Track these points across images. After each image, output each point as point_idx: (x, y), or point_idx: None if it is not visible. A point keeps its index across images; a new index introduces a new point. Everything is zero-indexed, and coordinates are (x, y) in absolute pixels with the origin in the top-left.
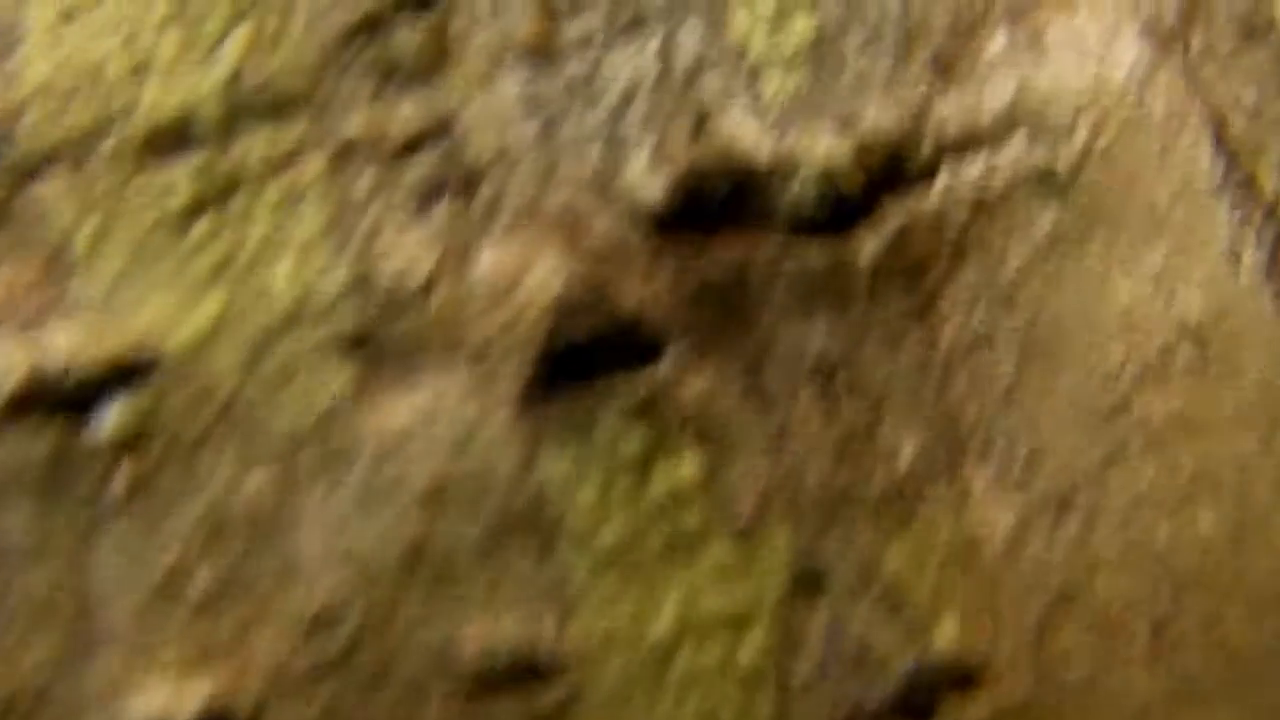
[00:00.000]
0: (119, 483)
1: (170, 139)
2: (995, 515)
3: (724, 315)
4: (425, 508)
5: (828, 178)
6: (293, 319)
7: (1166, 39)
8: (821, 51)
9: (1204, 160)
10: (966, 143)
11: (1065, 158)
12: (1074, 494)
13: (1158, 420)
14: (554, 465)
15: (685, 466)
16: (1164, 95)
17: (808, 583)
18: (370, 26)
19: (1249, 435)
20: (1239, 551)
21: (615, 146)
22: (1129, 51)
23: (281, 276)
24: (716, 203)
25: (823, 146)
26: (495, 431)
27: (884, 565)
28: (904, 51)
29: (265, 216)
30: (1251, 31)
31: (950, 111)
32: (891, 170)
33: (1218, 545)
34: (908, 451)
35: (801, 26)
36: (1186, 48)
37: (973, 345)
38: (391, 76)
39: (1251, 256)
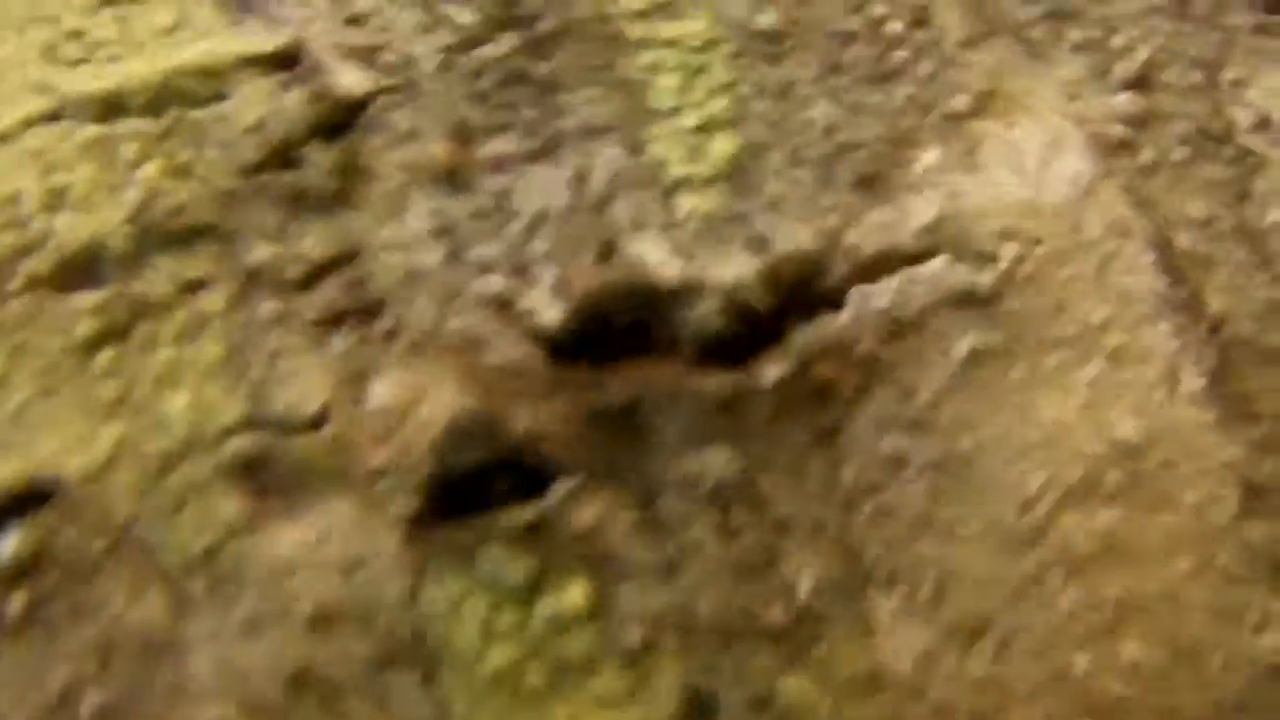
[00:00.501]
0: (14, 607)
1: (80, 269)
2: (900, 645)
3: (620, 442)
4: (312, 633)
5: (735, 302)
6: (188, 447)
7: (1113, 150)
8: (741, 171)
9: (1144, 278)
10: (883, 264)
11: (990, 278)
12: (986, 622)
13: (1081, 546)
14: (439, 593)
15: (573, 595)
16: (1105, 211)
17: (698, 712)
18: (281, 155)
19: (1180, 563)
20: (1166, 684)
21: (520, 272)
22: (1070, 165)
23: (179, 405)
24: (619, 328)
25: (732, 270)
26: (382, 559)
27: (779, 695)
28: (827, 169)
29: (168, 346)
30: (1205, 141)
31: (869, 232)
32: (802, 293)
33: (1143, 677)
34: (808, 580)
35: (722, 146)
36: (1135, 159)
37: (881, 471)
38: (300, 205)
39: (1191, 378)
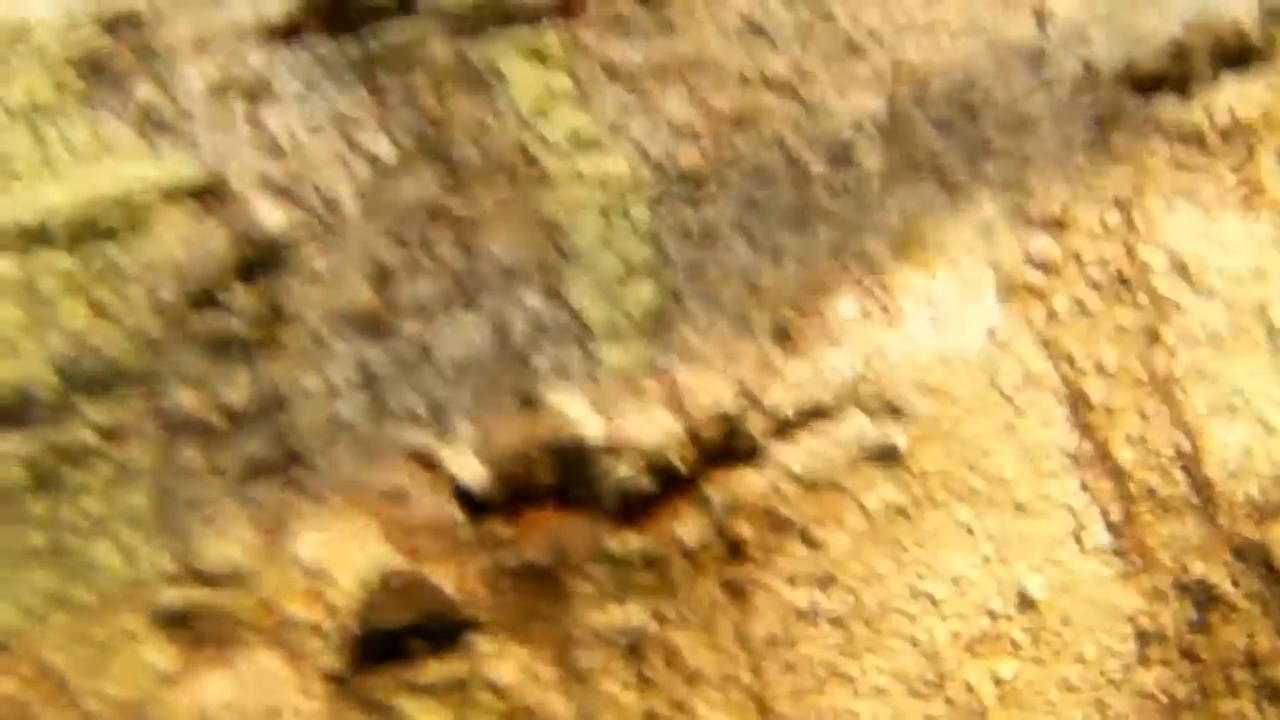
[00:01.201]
0: None
1: (8, 414)
2: None
3: (538, 599)
4: None
5: (656, 461)
6: (117, 598)
7: (1027, 297)
8: (660, 321)
9: (1054, 431)
10: (801, 421)
11: (904, 435)
12: None
13: (982, 696)
14: None
15: None
16: (1019, 362)
17: None
18: (206, 298)
19: (1078, 708)
20: None
21: (441, 424)
22: (985, 316)
23: (108, 555)
24: (541, 484)
25: (653, 429)
26: (305, 712)
27: None
28: (745, 318)
29: (96, 494)
30: (1118, 285)
31: (787, 388)
32: (720, 451)
33: None
34: None
35: (642, 294)
36: (1049, 305)
37: (791, 625)
38: (223, 351)
39: (1095, 531)
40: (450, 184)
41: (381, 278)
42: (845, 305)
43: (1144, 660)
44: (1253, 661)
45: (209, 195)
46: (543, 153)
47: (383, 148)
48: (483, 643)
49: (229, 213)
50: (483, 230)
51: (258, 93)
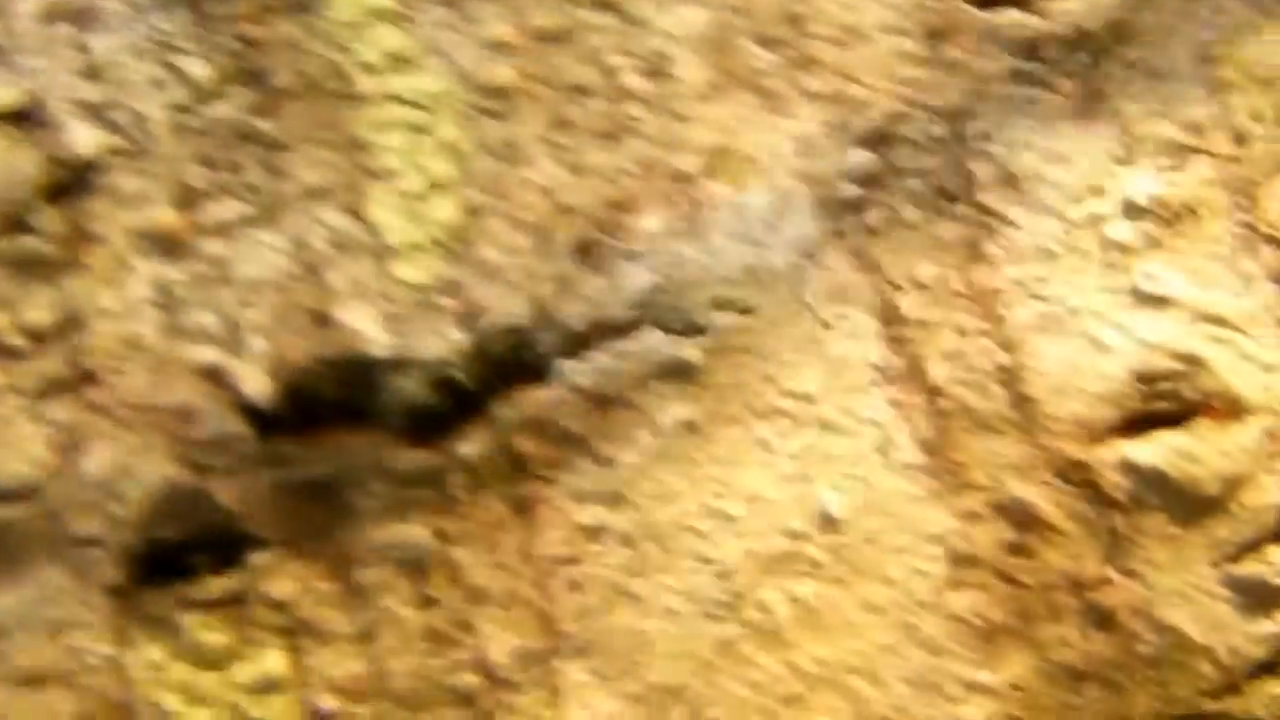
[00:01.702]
0: None
1: None
2: (588, 714)
3: (319, 514)
4: (21, 691)
5: (442, 376)
6: None
7: (842, 211)
8: (460, 238)
9: (863, 346)
10: (594, 336)
11: (705, 349)
12: (677, 692)
13: (777, 618)
14: (143, 657)
15: (270, 660)
16: (828, 276)
17: None
18: (14, 220)
19: (880, 635)
20: None
21: (233, 342)
22: (796, 229)
23: None
24: (327, 401)
25: (443, 343)
26: (89, 625)
27: None
28: (546, 235)
29: None
30: (941, 199)
31: (582, 303)
32: (511, 366)
33: None
34: (500, 649)
35: (443, 212)
36: (864, 219)
37: (579, 543)
38: (27, 271)
39: (903, 449)
40: (262, 105)
41: (186, 199)
42: (650, 221)
43: (957, 583)
44: (1077, 586)
45: (25, 119)
46: (357, 73)
47: (198, 70)
48: (263, 558)
49: (42, 135)
50: (290, 151)
51: (84, 17)
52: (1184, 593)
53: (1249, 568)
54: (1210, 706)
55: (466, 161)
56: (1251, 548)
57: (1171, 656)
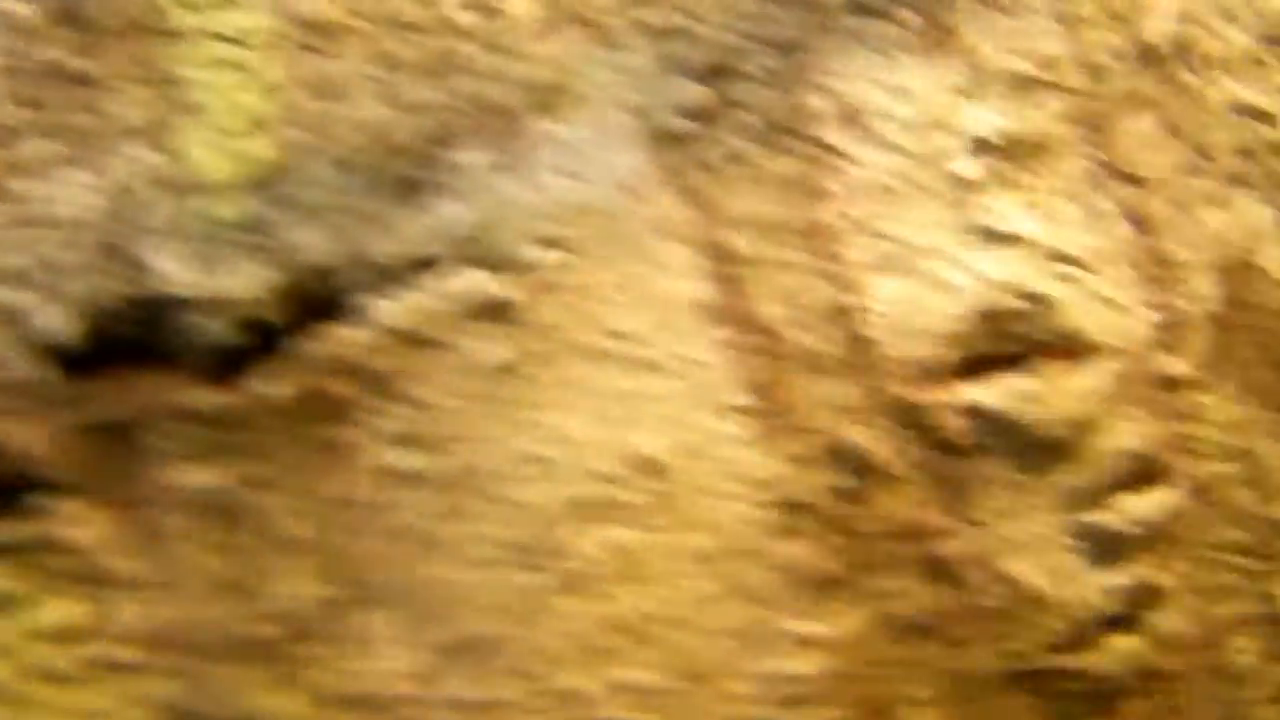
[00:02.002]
0: None
1: None
2: (393, 666)
3: (115, 457)
4: None
5: (247, 315)
6: None
7: (673, 148)
8: (277, 177)
9: (689, 284)
10: (407, 274)
11: (524, 287)
12: (487, 643)
13: (593, 566)
14: None
15: (61, 610)
16: (656, 213)
17: None
18: None
19: (703, 584)
20: (681, 709)
21: (34, 283)
22: (623, 164)
23: None
24: (133, 341)
25: (251, 282)
26: None
27: (267, 715)
28: (366, 174)
29: None
30: (778, 135)
31: (394, 241)
32: (321, 305)
33: (656, 702)
34: (302, 598)
35: (260, 149)
36: (697, 156)
37: (385, 489)
38: None
39: (730, 391)
40: (81, 44)
41: (1, 140)
42: (472, 156)
43: (786, 531)
44: (916, 535)
45: None
46: (177, 10)
47: (21, 10)
48: (59, 503)
49: None
50: (107, 90)
51: None
52: (1029, 542)
53: (1098, 516)
54: (1058, 661)
55: (287, 98)
56: (1101, 495)
57: (1016, 609)
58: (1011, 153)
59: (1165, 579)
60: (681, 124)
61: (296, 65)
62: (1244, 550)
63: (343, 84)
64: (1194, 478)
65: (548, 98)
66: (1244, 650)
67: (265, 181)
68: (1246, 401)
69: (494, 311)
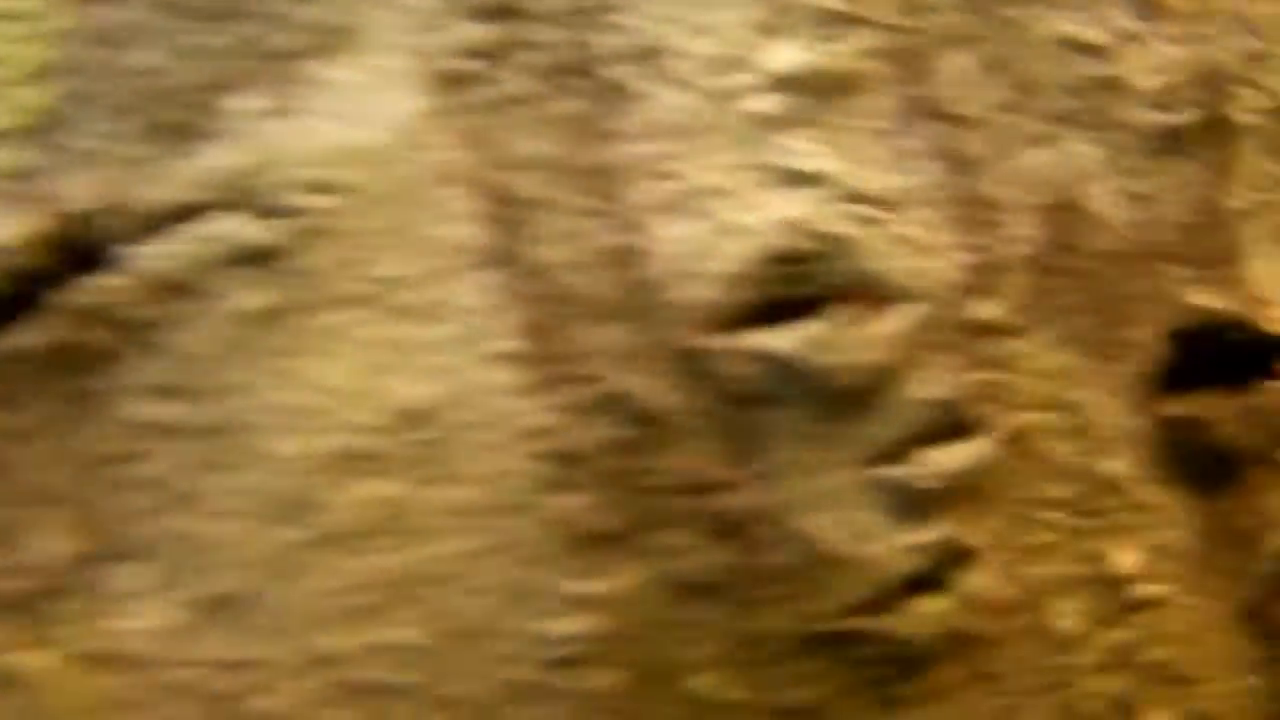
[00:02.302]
0: None
1: None
2: (142, 622)
3: None
4: None
5: (13, 265)
6: None
7: (453, 87)
8: (50, 123)
9: (461, 228)
10: (167, 220)
11: (280, 233)
12: (240, 600)
13: (351, 520)
14: None
15: None
16: (431, 154)
17: None
18: None
19: (468, 540)
20: (444, 669)
21: None
22: (399, 106)
23: None
24: None
25: (14, 231)
26: None
27: (16, 670)
28: (136, 120)
29: None
30: (565, 74)
31: (154, 186)
32: (79, 253)
33: (417, 661)
34: (57, 551)
35: (36, 98)
36: (478, 96)
37: (135, 441)
38: None
39: (500, 338)
40: None
41: None
42: (244, 101)
43: (558, 484)
44: (699, 489)
45: None
46: None
47: None
48: None
49: None
50: None
51: None
52: (826, 498)
53: (901, 470)
54: (858, 624)
55: (70, 48)
56: (904, 448)
57: (811, 569)
58: (816, 90)
59: (976, 537)
60: (464, 65)
61: (77, 14)
62: (1064, 506)
63: (128, 32)
64: (1008, 429)
65: (327, 41)
66: (1067, 614)
67: (39, 130)
68: (1067, 349)
69: (258, 258)
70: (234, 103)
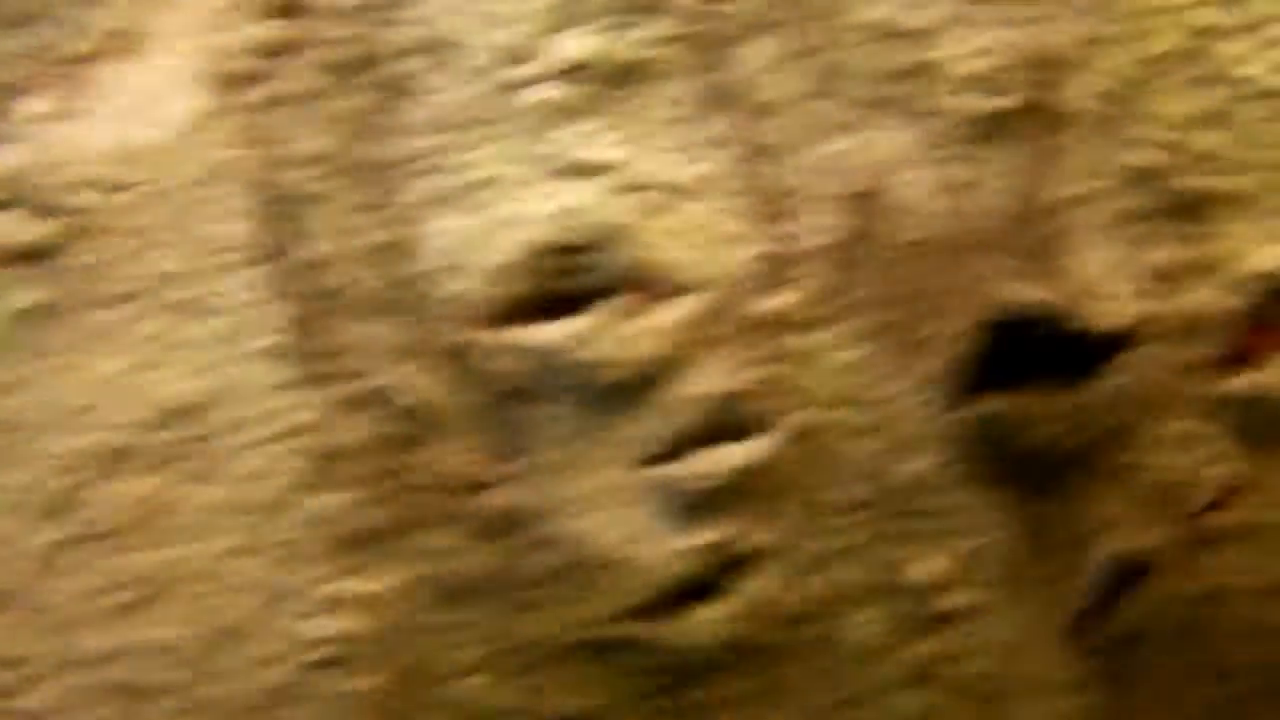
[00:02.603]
0: None
1: None
2: None
3: None
4: None
5: None
6: None
7: (234, 86)
8: None
9: (232, 225)
10: None
11: (66, 231)
12: (5, 594)
13: (112, 518)
14: None
15: None
16: (207, 152)
17: None
18: None
19: (227, 538)
20: (203, 669)
21: None
22: (179, 105)
23: None
24: None
25: None
26: None
27: None
28: None
29: None
30: (348, 69)
31: None
32: None
33: (176, 660)
34: None
35: None
36: (259, 93)
37: None
38: None
39: (265, 333)
40: None
41: None
42: (31, 106)
43: (320, 482)
44: (468, 488)
45: None
46: None
47: None
48: None
49: None
50: None
51: None
52: (593, 498)
53: (670, 469)
54: (632, 631)
55: None
56: (682, 446)
57: (582, 572)
58: (607, 79)
59: (761, 540)
60: (248, 64)
61: None
62: (862, 509)
63: None
64: (796, 427)
65: (116, 44)
66: (865, 624)
67: None
68: (869, 343)
69: (32, 255)
70: (21, 107)
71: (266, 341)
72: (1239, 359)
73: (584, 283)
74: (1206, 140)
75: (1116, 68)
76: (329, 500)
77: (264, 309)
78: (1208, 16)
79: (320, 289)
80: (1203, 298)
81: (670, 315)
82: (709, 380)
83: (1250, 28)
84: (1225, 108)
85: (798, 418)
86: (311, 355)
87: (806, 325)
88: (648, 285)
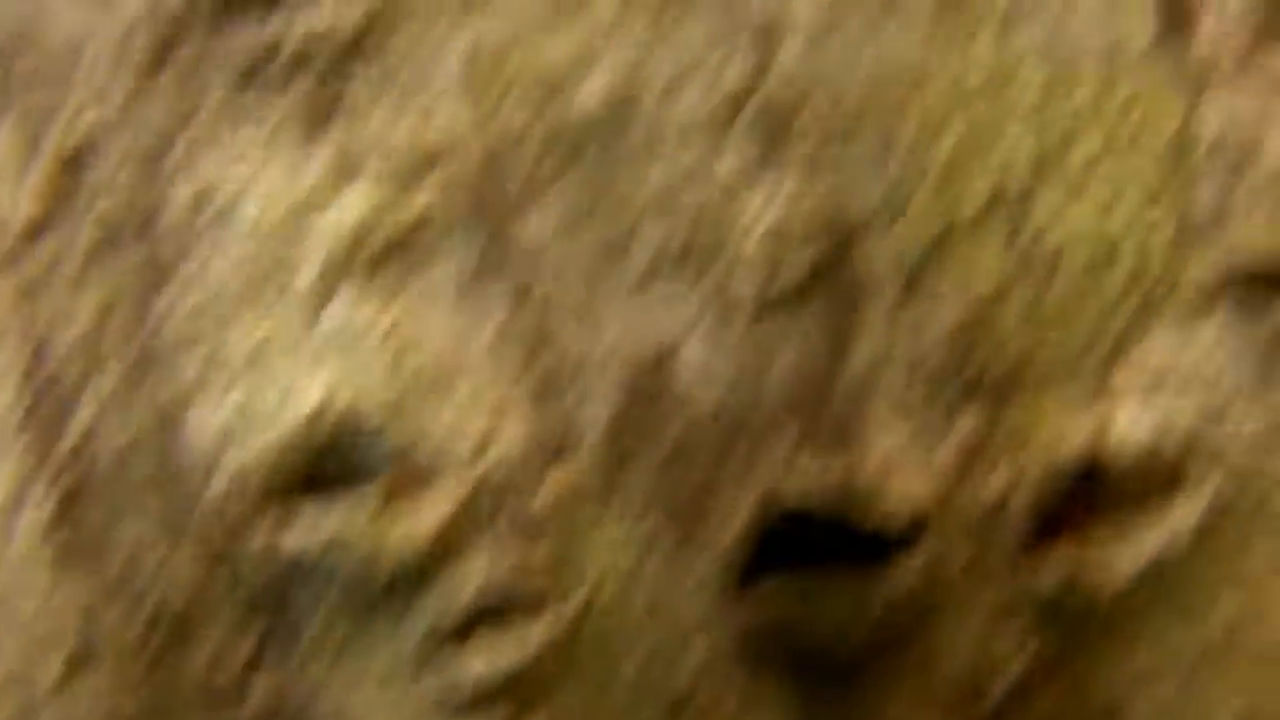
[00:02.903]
0: None
1: None
2: None
3: None
4: None
5: None
6: None
7: (10, 246)
8: None
9: (6, 396)
10: None
11: None
12: None
13: None
14: None
15: None
16: None
17: None
18: None
19: None
20: None
21: None
22: None
23: None
24: None
25: None
26: None
27: None
28: None
29: None
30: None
31: None
32: None
33: None
34: None
35: None
36: (34, 255)
37: None
38: None
39: (33, 509)
40: None
41: None
42: None
43: (78, 681)
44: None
45: None
46: None
47: None
48: None
49: None
50: None
51: None
52: (367, 697)
53: (448, 666)
54: None
55: None
56: (450, 642)
57: None
58: (379, 248)
59: None
60: (27, 217)
61: None
62: (640, 701)
63: None
64: (574, 614)
65: None
66: None
67: None
68: (645, 525)
69: None
70: None
71: (33, 518)
72: (1041, 544)
73: (352, 464)
74: (1013, 311)
75: (920, 232)
76: (80, 703)
77: (29, 490)
78: (1020, 175)
79: (85, 471)
80: (1004, 480)
81: (440, 504)
82: (480, 568)
83: (1068, 188)
84: (1034, 275)
85: (573, 604)
86: (80, 535)
87: (582, 507)
88: (416, 467)
